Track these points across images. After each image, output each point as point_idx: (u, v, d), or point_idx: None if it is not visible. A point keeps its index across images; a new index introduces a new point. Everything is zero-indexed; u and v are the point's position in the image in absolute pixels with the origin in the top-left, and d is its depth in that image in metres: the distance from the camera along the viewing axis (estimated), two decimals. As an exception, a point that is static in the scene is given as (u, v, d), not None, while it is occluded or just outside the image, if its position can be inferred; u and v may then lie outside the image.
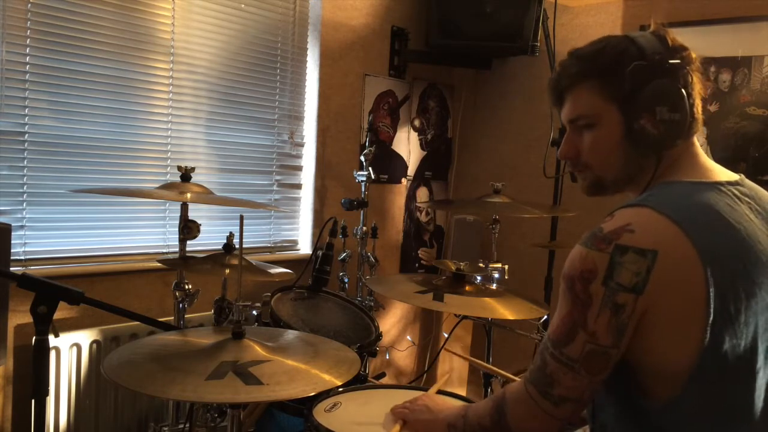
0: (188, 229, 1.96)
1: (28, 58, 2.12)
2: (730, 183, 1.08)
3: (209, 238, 2.32)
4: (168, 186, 1.94)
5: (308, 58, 2.97)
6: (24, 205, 2.16)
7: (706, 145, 2.77)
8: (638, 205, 1.03)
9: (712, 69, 2.76)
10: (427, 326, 3.66)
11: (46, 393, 1.43)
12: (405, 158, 3.44)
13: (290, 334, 1.64)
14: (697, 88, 1.11)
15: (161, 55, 2.44)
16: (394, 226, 3.44)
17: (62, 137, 2.23)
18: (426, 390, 1.68)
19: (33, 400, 1.40)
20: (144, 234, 2.47)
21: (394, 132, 3.36)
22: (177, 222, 1.97)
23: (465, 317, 2.66)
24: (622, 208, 1.05)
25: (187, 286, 2.00)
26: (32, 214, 2.18)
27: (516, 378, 1.93)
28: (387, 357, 3.40)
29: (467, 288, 2.02)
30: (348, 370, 1.36)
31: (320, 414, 1.56)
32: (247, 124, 2.76)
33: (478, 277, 2.24)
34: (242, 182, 2.78)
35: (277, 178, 2.92)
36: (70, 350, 2.19)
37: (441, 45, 3.18)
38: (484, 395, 2.43)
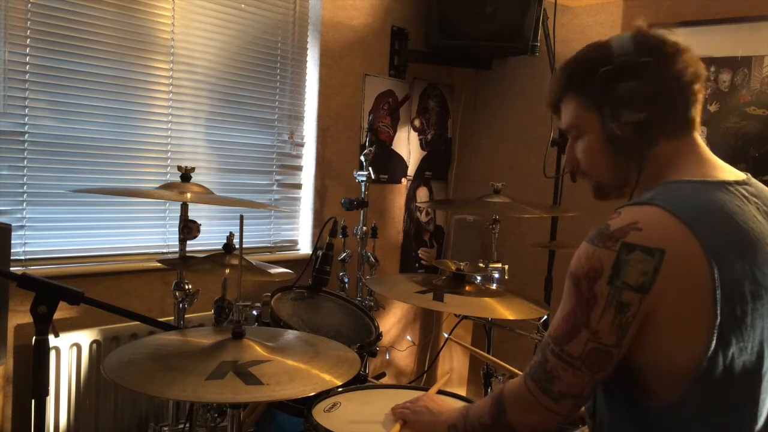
0: (188, 229, 1.96)
1: (28, 58, 2.12)
2: (738, 183, 1.07)
3: (209, 238, 2.32)
4: (168, 186, 1.94)
5: (308, 58, 2.97)
6: (24, 205, 2.16)
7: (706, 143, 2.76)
8: (646, 204, 1.02)
9: (712, 69, 2.76)
10: (427, 326, 3.66)
11: (46, 393, 1.43)
12: (405, 158, 3.44)
13: (290, 334, 1.64)
14: (682, 80, 1.09)
15: (161, 55, 2.44)
16: (394, 226, 3.44)
17: (62, 137, 2.23)
18: (426, 390, 1.68)
19: (33, 400, 1.40)
20: (144, 234, 2.47)
21: (394, 132, 3.36)
22: (177, 222, 1.97)
23: (465, 317, 2.66)
24: (628, 206, 1.04)
25: (187, 286, 2.00)
26: (32, 214, 2.18)
27: (519, 372, 1.93)
28: (387, 357, 3.40)
29: (467, 288, 2.02)
30: (348, 370, 1.36)
31: (320, 414, 1.56)
32: (247, 124, 2.76)
33: (478, 277, 2.24)
34: (242, 182, 2.78)
35: (277, 178, 2.92)
36: (70, 350, 2.19)
37: (441, 45, 3.18)
38: (484, 395, 2.43)
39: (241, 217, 1.47)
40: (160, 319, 1.69)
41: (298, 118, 2.96)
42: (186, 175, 1.94)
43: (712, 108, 2.77)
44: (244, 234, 1.47)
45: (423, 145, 3.54)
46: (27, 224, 2.17)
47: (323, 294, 2.43)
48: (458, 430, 1.23)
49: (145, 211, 2.47)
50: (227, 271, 1.86)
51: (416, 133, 3.50)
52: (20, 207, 2.15)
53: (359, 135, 3.16)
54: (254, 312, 2.05)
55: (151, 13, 2.40)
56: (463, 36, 3.11)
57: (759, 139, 2.67)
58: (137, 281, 2.40)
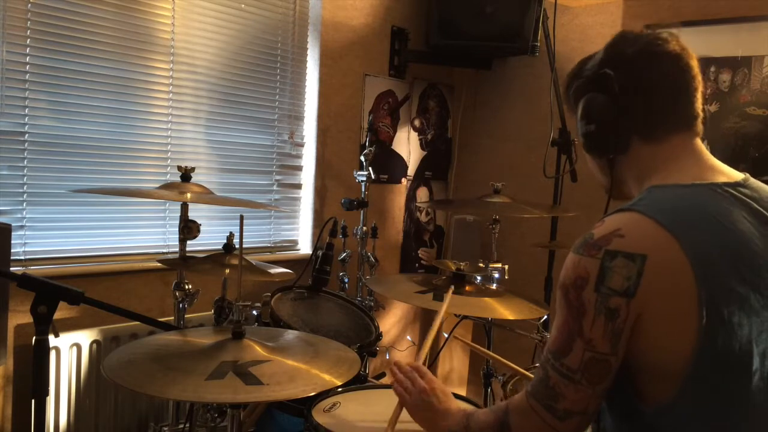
0: (188, 229, 1.96)
1: (28, 58, 2.12)
2: (728, 184, 1.07)
3: (209, 238, 2.32)
4: (168, 186, 1.94)
5: (308, 58, 2.97)
6: (24, 205, 2.16)
7: (706, 146, 2.76)
8: (627, 210, 1.04)
9: (712, 69, 2.76)
10: (427, 326, 3.65)
11: (46, 393, 1.43)
12: (405, 158, 3.44)
13: (290, 334, 1.64)
14: (656, 84, 1.11)
15: (161, 55, 2.44)
16: (394, 226, 3.44)
17: (62, 137, 2.23)
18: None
19: (33, 400, 1.40)
20: (144, 234, 2.47)
21: (394, 132, 3.36)
22: (177, 222, 1.97)
23: (465, 317, 2.66)
24: (612, 214, 1.06)
25: (187, 286, 2.00)
26: (32, 214, 2.18)
27: (522, 370, 1.92)
28: (387, 357, 3.40)
29: (467, 288, 2.02)
30: (348, 370, 1.36)
31: (320, 414, 1.56)
32: (247, 124, 2.76)
33: (478, 277, 2.24)
34: (242, 182, 2.78)
35: (277, 178, 2.92)
36: (70, 350, 2.19)
37: (441, 45, 3.18)
38: (484, 395, 2.43)
39: (241, 217, 1.47)
40: (160, 319, 1.69)
41: (298, 118, 2.96)
42: (186, 175, 1.94)
43: (712, 108, 2.77)
44: (244, 234, 1.47)
45: (423, 145, 3.54)
46: (27, 224, 2.17)
47: (323, 294, 2.43)
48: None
49: (145, 211, 2.47)
50: (227, 271, 1.86)
51: (416, 133, 3.50)
52: (20, 207, 2.15)
53: (359, 135, 3.16)
54: (254, 312, 2.05)
55: (151, 13, 2.40)
56: (463, 36, 3.11)
57: (759, 139, 2.67)
58: (137, 281, 2.40)
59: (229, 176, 2.72)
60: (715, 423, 1.00)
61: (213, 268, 1.89)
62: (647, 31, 1.17)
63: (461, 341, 1.96)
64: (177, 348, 1.40)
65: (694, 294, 0.96)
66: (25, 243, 2.17)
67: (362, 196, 2.72)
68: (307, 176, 3.02)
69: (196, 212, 2.01)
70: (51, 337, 1.39)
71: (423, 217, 3.60)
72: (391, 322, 3.44)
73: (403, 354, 3.52)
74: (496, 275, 2.36)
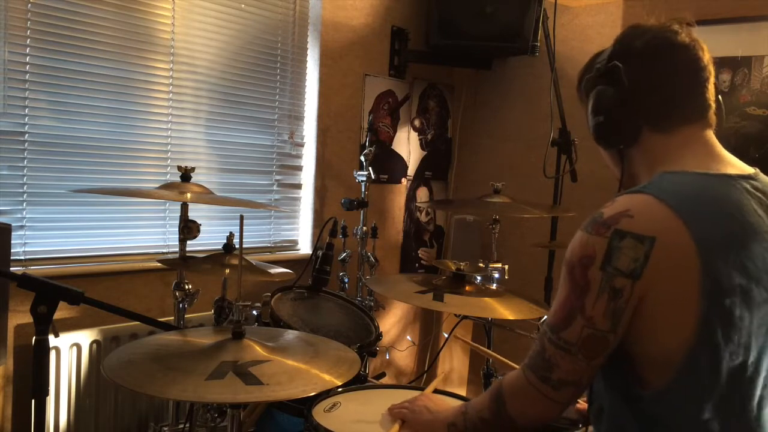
0: (188, 229, 1.96)
1: (28, 58, 2.12)
2: (741, 176, 1.08)
3: (209, 238, 2.32)
4: (168, 186, 1.94)
5: (308, 58, 2.97)
6: (24, 205, 2.16)
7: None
8: (639, 192, 1.04)
9: (712, 69, 2.75)
10: (427, 326, 3.66)
11: (46, 393, 1.43)
12: (405, 158, 3.44)
13: (290, 334, 1.64)
14: (666, 76, 1.12)
15: (161, 55, 2.44)
16: (394, 226, 3.44)
17: (62, 137, 2.23)
18: (424, 390, 1.67)
19: (33, 400, 1.40)
20: (144, 234, 2.47)
21: (394, 132, 3.36)
22: (177, 222, 1.97)
23: (465, 317, 2.66)
24: (623, 194, 1.06)
25: (187, 286, 2.00)
26: (32, 214, 2.18)
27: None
28: (387, 357, 3.40)
29: (467, 288, 2.02)
30: (348, 370, 1.35)
31: (320, 414, 1.56)
32: (247, 124, 2.76)
33: (478, 277, 2.24)
34: (242, 182, 2.78)
35: (277, 178, 2.92)
36: (70, 350, 2.19)
37: (441, 45, 3.18)
38: (484, 395, 2.42)
39: (241, 217, 1.47)
40: (160, 319, 1.69)
41: (298, 118, 2.96)
42: (186, 175, 1.94)
43: (712, 108, 2.77)
44: (244, 234, 1.47)
45: (423, 145, 3.54)
46: (27, 224, 2.17)
47: (323, 294, 2.43)
48: (458, 427, 1.23)
49: (145, 211, 2.47)
50: (227, 271, 1.86)
51: (416, 133, 3.50)
52: (20, 207, 2.15)
53: (359, 135, 3.16)
54: (254, 312, 2.05)
55: (151, 13, 2.40)
56: (463, 36, 3.11)
57: (759, 139, 2.67)
58: (137, 281, 2.40)
59: (229, 176, 2.72)
60: (707, 412, 1.00)
61: (213, 268, 1.89)
62: (657, 23, 1.18)
63: (461, 340, 1.96)
64: (177, 348, 1.40)
65: (697, 281, 0.96)
66: (25, 243, 2.17)
67: (362, 196, 2.72)
68: (307, 176, 3.02)
69: (196, 212, 2.01)
70: (51, 337, 1.39)
71: (423, 217, 3.60)
72: (391, 322, 3.44)
73: (403, 354, 3.52)
74: (496, 275, 2.36)
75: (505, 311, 1.90)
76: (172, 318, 2.03)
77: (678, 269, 0.97)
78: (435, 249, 3.70)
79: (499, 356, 1.98)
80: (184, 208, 1.96)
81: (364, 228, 2.71)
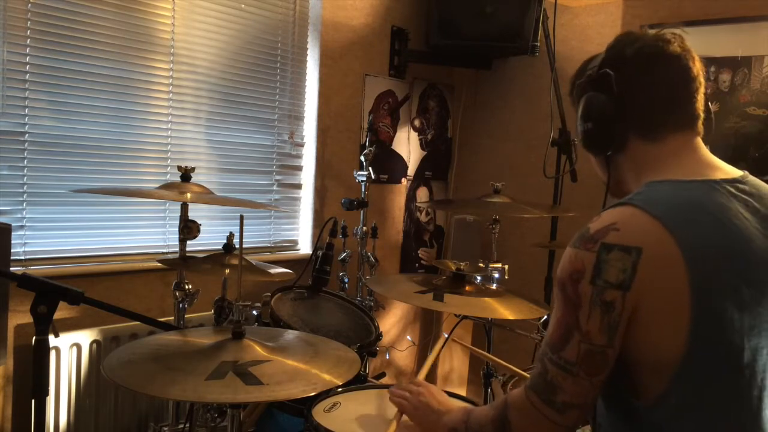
0: (188, 229, 1.96)
1: (28, 58, 2.12)
2: (726, 180, 1.08)
3: (209, 238, 2.32)
4: (168, 186, 1.94)
5: (308, 58, 2.97)
6: (24, 205, 2.16)
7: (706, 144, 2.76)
8: (624, 204, 1.06)
9: (712, 69, 2.76)
10: (427, 326, 3.66)
11: (46, 393, 1.43)
12: (405, 158, 3.44)
13: (290, 334, 1.64)
14: (656, 85, 1.13)
15: (161, 55, 2.44)
16: (394, 226, 3.44)
17: (62, 137, 2.23)
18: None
19: (33, 400, 1.40)
20: (144, 234, 2.47)
21: (394, 132, 3.36)
22: (177, 222, 1.97)
23: (465, 317, 2.66)
24: (609, 208, 1.08)
25: (187, 286, 2.00)
26: (32, 214, 2.18)
27: (520, 371, 1.92)
28: (387, 357, 3.40)
29: (467, 288, 2.02)
30: (348, 370, 1.35)
31: (320, 414, 1.56)
32: (247, 124, 2.76)
33: (478, 277, 2.24)
34: (242, 182, 2.78)
35: (277, 178, 2.92)
36: (70, 350, 2.19)
37: (441, 45, 3.18)
38: (484, 395, 2.43)
39: (241, 217, 1.47)
40: (160, 319, 1.69)
41: (298, 118, 2.96)
42: (186, 175, 1.94)
43: (712, 108, 2.76)
44: (244, 234, 1.47)
45: (423, 145, 3.54)
46: (27, 224, 2.17)
47: (323, 294, 2.43)
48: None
49: (145, 211, 2.47)
50: (227, 271, 1.86)
51: (416, 133, 3.50)
52: (20, 207, 2.15)
53: (359, 135, 3.16)
54: (254, 312, 2.05)
55: (151, 13, 2.40)
56: (463, 36, 3.11)
57: (759, 139, 2.67)
58: (137, 281, 2.40)
59: (229, 176, 2.72)
60: (706, 417, 1.00)
61: (213, 268, 1.89)
62: (652, 31, 1.18)
63: (459, 344, 1.95)
64: (177, 348, 1.40)
65: (686, 288, 0.97)
66: (25, 243, 2.17)
67: (362, 196, 2.72)
68: (307, 176, 3.02)
69: (196, 212, 2.01)
70: (51, 337, 1.39)
71: (423, 217, 3.60)
72: (391, 322, 3.44)
73: (403, 354, 3.52)
74: (496, 275, 2.35)
75: (505, 311, 1.90)
76: (172, 318, 2.03)
77: (666, 277, 0.98)
78: (435, 249, 3.70)
79: (495, 358, 1.98)
80: (184, 208, 1.96)
81: (364, 228, 2.71)
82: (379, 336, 2.22)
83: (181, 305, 1.99)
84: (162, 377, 1.22)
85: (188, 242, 1.98)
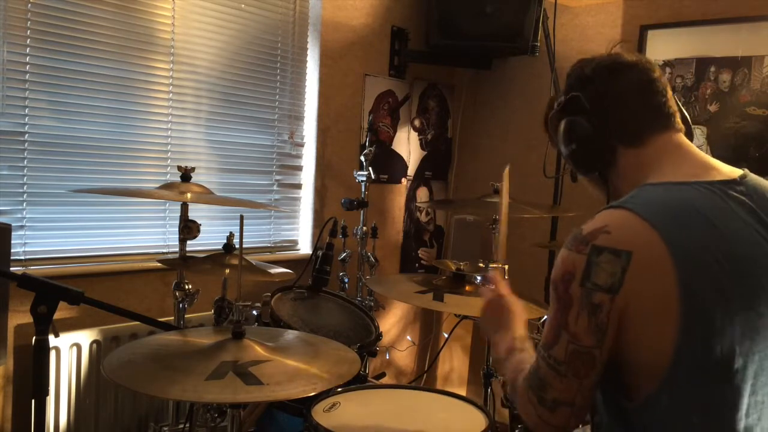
0: (188, 229, 1.96)
1: (28, 58, 2.12)
2: (722, 182, 1.07)
3: (209, 238, 2.32)
4: (168, 186, 1.94)
5: (308, 58, 2.97)
6: (24, 205, 2.16)
7: (706, 146, 2.77)
8: (617, 207, 1.06)
9: (712, 69, 2.76)
10: (427, 326, 3.66)
11: (46, 393, 1.43)
12: (405, 158, 3.44)
13: (290, 334, 1.64)
14: (626, 95, 1.17)
15: (161, 55, 2.44)
16: (394, 226, 3.44)
17: (62, 137, 2.23)
18: (426, 390, 1.68)
19: (33, 400, 1.40)
20: (144, 234, 2.47)
21: (394, 132, 3.36)
22: (177, 222, 1.98)
23: (465, 317, 2.66)
24: (603, 210, 1.09)
25: (187, 286, 2.00)
26: (32, 214, 2.18)
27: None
28: (387, 357, 3.40)
29: (467, 288, 2.02)
30: (348, 370, 1.36)
31: (319, 414, 1.56)
32: (247, 124, 2.76)
33: (478, 277, 2.24)
34: (242, 182, 2.78)
35: (277, 178, 2.92)
36: (70, 350, 2.19)
37: (441, 45, 3.18)
38: (484, 395, 2.42)
39: (241, 217, 1.47)
40: (160, 319, 1.69)
41: (298, 118, 2.96)
42: (186, 175, 1.94)
43: (712, 108, 2.77)
44: (244, 234, 1.47)
45: (423, 145, 3.54)
46: (27, 224, 2.17)
47: (323, 294, 2.43)
48: (507, 360, 1.22)
49: (145, 211, 2.47)
50: (227, 271, 1.86)
51: (416, 133, 3.50)
52: (20, 207, 2.15)
53: (359, 135, 3.16)
54: (254, 312, 2.05)
55: (151, 13, 2.40)
56: (463, 36, 3.11)
57: (759, 139, 2.67)
58: (137, 281, 2.40)
59: (229, 176, 2.72)
60: (695, 420, 1.00)
61: (213, 268, 1.89)
62: (603, 54, 1.24)
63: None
64: (177, 348, 1.40)
65: (675, 292, 0.97)
66: (25, 243, 2.17)
67: (362, 196, 2.72)
68: (307, 176, 3.02)
69: (196, 212, 2.01)
70: (51, 337, 1.39)
71: (423, 217, 3.60)
72: (391, 322, 3.44)
73: (403, 354, 3.52)
74: (496, 275, 2.35)
75: (505, 311, 1.89)
76: (172, 318, 2.04)
77: (655, 281, 0.98)
78: (435, 249, 3.70)
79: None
80: (184, 208, 1.97)
81: (364, 228, 2.71)
82: (379, 336, 2.22)
83: (181, 305, 2.00)
84: (162, 377, 1.23)
85: (188, 242, 1.99)
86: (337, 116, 3.05)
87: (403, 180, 3.45)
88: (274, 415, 2.12)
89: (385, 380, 2.89)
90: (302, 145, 3.00)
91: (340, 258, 2.62)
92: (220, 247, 1.96)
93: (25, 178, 2.16)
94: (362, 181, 2.72)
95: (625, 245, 1.00)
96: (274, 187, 2.92)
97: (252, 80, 2.76)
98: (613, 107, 1.17)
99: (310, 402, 1.59)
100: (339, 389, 1.70)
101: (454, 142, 3.71)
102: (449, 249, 3.64)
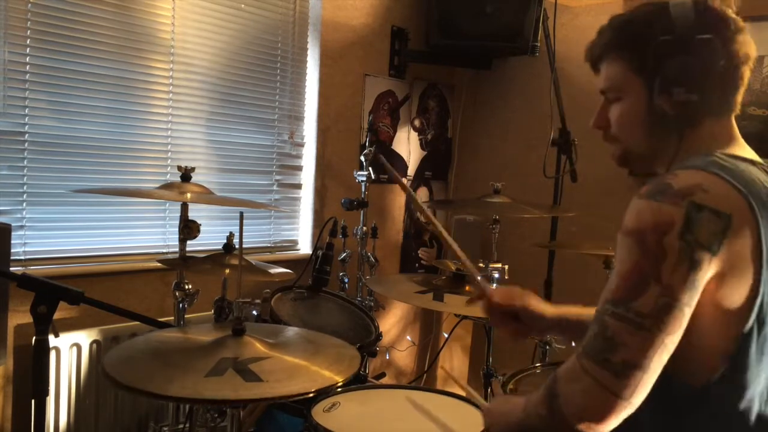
0: (188, 229, 1.96)
1: (28, 58, 2.12)
2: (762, 164, 1.08)
3: (209, 238, 2.32)
4: (168, 186, 1.94)
5: (308, 58, 2.97)
6: (24, 205, 2.16)
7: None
8: (701, 170, 1.00)
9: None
10: (427, 326, 3.66)
11: (46, 393, 1.43)
12: (405, 158, 3.44)
13: (290, 331, 1.64)
14: (735, 61, 1.08)
15: (161, 55, 2.44)
16: (394, 226, 3.44)
17: (62, 137, 2.23)
18: (426, 390, 1.67)
19: (33, 400, 1.40)
20: (144, 234, 2.46)
21: (394, 132, 3.36)
22: (177, 222, 1.97)
23: (465, 317, 2.66)
24: (683, 169, 1.02)
25: (187, 286, 1.99)
26: (32, 214, 2.18)
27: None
28: (387, 357, 3.39)
29: (467, 288, 2.02)
30: (348, 366, 1.36)
31: (319, 414, 1.56)
32: (247, 124, 2.76)
33: (478, 277, 2.23)
34: (242, 182, 2.78)
35: (277, 178, 2.92)
36: (70, 350, 2.19)
37: (441, 45, 3.18)
38: (484, 395, 2.43)
39: (241, 215, 1.47)
40: (160, 319, 1.69)
41: (298, 118, 2.96)
42: (186, 175, 1.94)
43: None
44: (244, 234, 1.47)
45: (423, 145, 3.54)
46: (27, 224, 2.17)
47: (323, 294, 2.43)
48: (521, 426, 1.11)
49: (145, 211, 2.47)
50: (227, 271, 1.86)
51: (416, 133, 3.50)
52: (20, 207, 2.15)
53: (359, 135, 3.16)
54: (254, 312, 2.04)
55: (151, 13, 2.40)
56: (463, 36, 3.11)
57: (759, 139, 2.67)
58: (137, 281, 2.40)
59: (229, 176, 2.72)
60: (756, 399, 1.00)
61: (213, 268, 1.89)
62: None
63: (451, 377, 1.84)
64: (177, 345, 1.40)
65: (757, 263, 0.96)
66: (25, 243, 2.16)
67: (362, 196, 2.72)
68: (307, 176, 3.02)
69: (196, 212, 2.01)
70: (51, 337, 1.39)
71: (423, 217, 3.60)
72: (391, 322, 3.44)
73: (403, 354, 3.51)
74: (496, 275, 2.35)
75: (505, 310, 1.89)
76: (172, 318, 2.03)
77: (745, 250, 0.96)
78: (435, 249, 3.70)
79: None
80: (184, 208, 1.96)
81: (364, 228, 2.71)
82: (379, 336, 2.22)
83: (181, 305, 1.99)
84: (161, 374, 1.22)
85: (188, 242, 1.98)
86: (337, 116, 3.05)
87: (403, 180, 3.45)
88: (273, 415, 2.12)
89: (385, 380, 2.89)
90: (302, 145, 3.00)
91: (340, 258, 2.62)
92: (220, 247, 1.95)
93: (25, 178, 2.16)
94: (362, 181, 2.72)
95: (724, 208, 0.95)
96: (274, 187, 2.92)
97: (252, 80, 2.76)
98: (725, 72, 1.07)
99: (309, 402, 1.59)
100: (339, 389, 1.70)
101: (454, 142, 3.71)
102: (449, 249, 3.64)
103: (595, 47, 1.20)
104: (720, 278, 0.96)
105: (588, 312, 1.27)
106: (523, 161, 3.39)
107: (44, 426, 1.41)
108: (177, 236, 1.98)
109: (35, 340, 1.38)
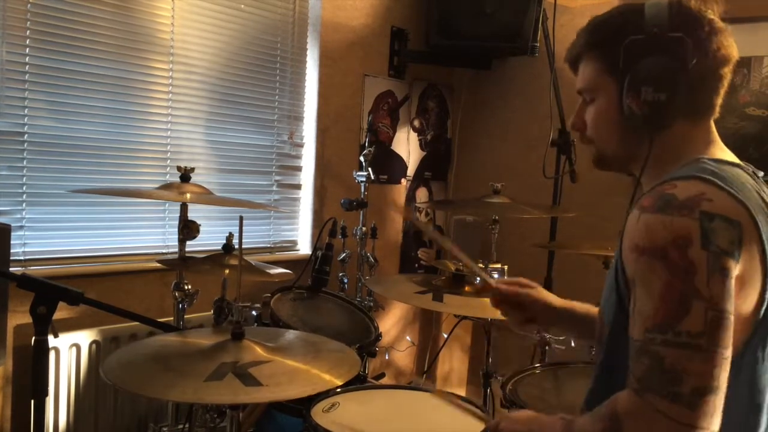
0: (188, 229, 1.96)
1: (27, 58, 2.12)
2: (746, 167, 1.08)
3: (209, 239, 2.32)
4: (167, 186, 1.94)
5: (308, 59, 2.96)
6: (24, 205, 2.16)
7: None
8: (697, 178, 0.98)
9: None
10: (427, 326, 3.66)
11: (46, 393, 1.43)
12: (405, 158, 3.44)
13: (290, 334, 1.64)
14: (711, 62, 1.04)
15: (161, 55, 2.44)
16: (393, 226, 3.43)
17: (62, 137, 2.23)
18: (427, 390, 1.67)
19: (32, 401, 1.40)
20: (143, 234, 2.46)
21: (394, 132, 3.36)
22: (176, 222, 1.97)
23: (465, 317, 2.66)
24: (678, 179, 0.99)
25: (186, 287, 2.00)
26: (32, 214, 2.18)
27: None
28: (387, 357, 3.39)
29: (467, 288, 2.02)
30: (348, 370, 1.36)
31: (319, 414, 1.56)
32: (246, 124, 2.76)
33: (478, 278, 2.24)
34: (242, 182, 2.78)
35: (277, 178, 2.92)
36: (70, 350, 2.19)
37: (441, 45, 3.18)
38: (484, 395, 2.42)
39: (241, 218, 1.47)
40: (159, 320, 1.69)
41: (297, 118, 2.96)
42: (185, 175, 1.94)
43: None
44: (243, 234, 1.47)
45: (422, 145, 3.54)
46: (27, 224, 2.17)
47: (323, 294, 2.43)
48: None
49: (144, 212, 2.47)
50: (227, 271, 1.86)
51: (416, 134, 3.50)
52: (20, 207, 2.15)
53: (359, 135, 3.16)
54: (254, 312, 2.05)
55: (151, 13, 2.40)
56: (463, 36, 3.11)
57: (759, 139, 2.67)
58: (137, 281, 2.40)
59: (228, 176, 2.72)
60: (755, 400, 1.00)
61: (212, 268, 1.89)
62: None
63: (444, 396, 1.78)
64: (176, 349, 1.40)
65: (763, 268, 0.95)
66: (25, 243, 2.16)
67: (362, 196, 2.71)
68: (307, 176, 3.01)
69: (195, 212, 2.01)
70: (50, 338, 1.39)
71: (422, 218, 3.60)
72: (390, 322, 3.44)
73: (402, 354, 3.51)
74: (496, 275, 2.35)
75: (504, 312, 1.89)
76: (172, 318, 2.03)
77: (754, 255, 0.95)
78: (434, 249, 3.70)
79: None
80: (184, 208, 1.96)
81: (364, 228, 2.71)
82: (379, 336, 2.22)
83: (180, 305, 2.00)
84: (161, 378, 1.22)
85: (188, 242, 1.98)
86: (336, 116, 3.05)
87: (403, 180, 3.45)
88: (273, 416, 2.12)
89: (384, 380, 2.89)
90: (302, 146, 3.00)
91: (339, 258, 2.62)
92: (220, 247, 1.95)
93: (25, 178, 2.16)
94: (362, 181, 2.72)
95: (733, 215, 0.93)
96: (274, 188, 2.92)
97: (251, 80, 2.75)
98: (698, 72, 1.03)
99: (309, 402, 1.59)
100: (338, 389, 1.70)
101: (454, 143, 3.71)
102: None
103: (573, 48, 1.17)
104: (740, 284, 0.94)
105: (595, 311, 1.26)
106: (522, 161, 3.39)
107: (44, 426, 1.41)
108: (176, 236, 1.98)
109: (35, 340, 1.38)
